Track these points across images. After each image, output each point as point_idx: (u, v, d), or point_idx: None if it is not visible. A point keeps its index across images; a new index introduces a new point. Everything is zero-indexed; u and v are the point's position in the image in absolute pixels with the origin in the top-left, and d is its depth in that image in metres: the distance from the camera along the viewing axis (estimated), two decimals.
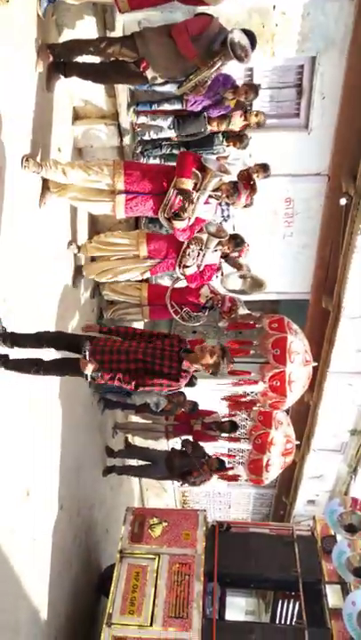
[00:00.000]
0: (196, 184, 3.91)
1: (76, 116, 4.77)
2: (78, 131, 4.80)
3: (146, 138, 5.10)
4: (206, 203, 4.12)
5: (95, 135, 4.83)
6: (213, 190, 4.18)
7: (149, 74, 3.96)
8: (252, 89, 4.53)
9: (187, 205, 3.88)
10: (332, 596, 5.32)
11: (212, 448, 6.54)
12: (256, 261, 5.33)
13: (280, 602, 6.71)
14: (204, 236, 4.43)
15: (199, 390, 5.89)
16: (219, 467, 5.89)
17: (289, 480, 8.40)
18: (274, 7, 4.67)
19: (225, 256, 4.96)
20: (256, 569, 5.62)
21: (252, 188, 4.60)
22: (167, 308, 5.08)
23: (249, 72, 5.28)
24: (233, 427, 6.22)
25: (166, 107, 4.80)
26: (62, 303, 4.54)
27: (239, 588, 8.82)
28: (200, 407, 6.41)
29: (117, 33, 4.29)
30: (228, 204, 5.12)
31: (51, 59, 3.87)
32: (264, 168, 4.82)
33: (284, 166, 5.72)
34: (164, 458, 6.09)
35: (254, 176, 4.72)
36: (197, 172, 3.85)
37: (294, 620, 6.26)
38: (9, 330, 3.41)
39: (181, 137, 5.10)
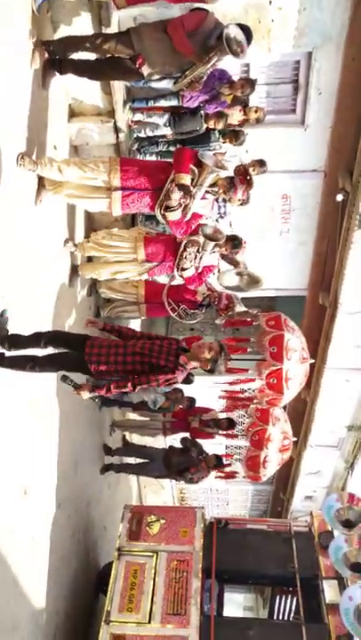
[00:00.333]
0: (193, 179, 3.91)
1: (72, 114, 4.74)
2: (74, 128, 4.77)
3: (142, 135, 5.08)
4: (203, 198, 4.12)
5: (91, 133, 4.81)
6: (210, 186, 4.17)
7: (145, 70, 3.94)
8: (249, 83, 4.49)
9: (187, 201, 3.86)
10: (330, 591, 5.34)
11: (209, 445, 6.55)
12: (253, 258, 5.32)
13: (278, 597, 6.72)
14: (201, 239, 4.41)
15: (196, 388, 5.89)
16: (216, 464, 5.90)
17: (286, 476, 8.43)
18: (270, 2, 4.65)
19: (223, 256, 4.95)
20: (254, 565, 5.63)
21: (248, 183, 4.59)
22: (164, 306, 5.08)
23: (245, 68, 5.26)
24: (230, 424, 6.23)
25: (162, 103, 4.79)
26: (59, 301, 4.52)
27: (237, 585, 8.85)
28: (197, 405, 6.42)
29: (113, 29, 4.27)
30: (224, 201, 5.11)
31: (46, 55, 3.84)
32: (260, 163, 4.80)
33: (281, 162, 5.71)
34: (162, 456, 6.10)
35: (250, 170, 4.71)
36: (194, 167, 3.85)
37: (292, 615, 6.28)
38: (9, 332, 3.42)
39: (178, 134, 5.08)
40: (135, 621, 4.70)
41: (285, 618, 6.51)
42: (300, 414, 7.25)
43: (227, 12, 4.49)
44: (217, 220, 5.56)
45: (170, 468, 6.00)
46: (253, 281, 5.17)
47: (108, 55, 3.96)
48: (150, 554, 5.18)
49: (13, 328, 3.49)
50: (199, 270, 4.74)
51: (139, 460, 6.61)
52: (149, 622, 4.68)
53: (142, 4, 4.13)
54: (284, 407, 6.22)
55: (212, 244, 4.41)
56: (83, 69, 4.03)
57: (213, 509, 10.49)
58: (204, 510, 5.82)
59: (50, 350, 3.55)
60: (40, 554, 4.27)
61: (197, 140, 5.02)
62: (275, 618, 6.77)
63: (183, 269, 4.63)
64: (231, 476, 6.89)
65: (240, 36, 3.70)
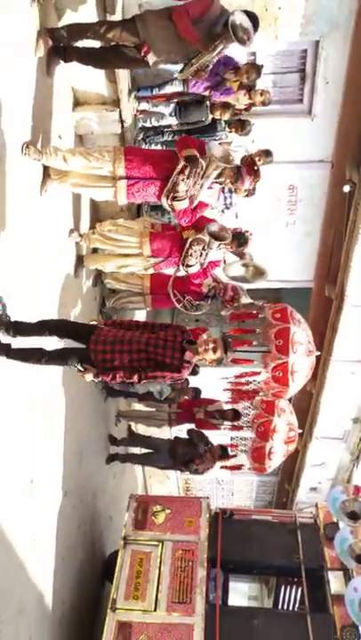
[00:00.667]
0: (198, 170, 3.87)
1: (77, 103, 4.71)
2: (79, 117, 4.75)
3: (147, 125, 5.05)
4: (209, 188, 4.09)
5: (96, 122, 4.78)
6: (216, 178, 4.13)
7: (150, 58, 3.90)
8: (254, 68, 4.42)
9: (193, 174, 3.79)
10: (335, 582, 5.35)
11: (214, 436, 6.55)
12: (259, 249, 5.30)
13: (283, 588, 6.76)
14: (207, 237, 4.38)
15: (202, 379, 5.89)
16: (222, 454, 5.91)
17: (292, 468, 8.44)
18: None
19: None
20: (259, 555, 5.66)
21: (255, 174, 4.55)
22: (170, 297, 5.06)
23: (252, 57, 5.20)
24: (236, 415, 6.23)
25: (168, 89, 4.73)
26: (64, 291, 4.52)
27: (242, 574, 8.90)
28: (203, 396, 6.42)
29: (117, 16, 4.23)
30: (230, 192, 5.08)
31: (50, 43, 3.81)
32: (266, 153, 4.77)
33: (287, 153, 5.66)
34: (168, 447, 6.11)
35: (256, 160, 4.67)
36: (201, 159, 3.81)
37: (297, 605, 6.32)
38: (12, 319, 3.41)
39: (183, 124, 5.05)
40: (141, 609, 4.73)
41: (290, 608, 6.55)
42: (306, 406, 7.24)
43: None
44: (223, 212, 5.54)
45: (175, 459, 6.01)
46: (259, 272, 5.15)
47: (113, 43, 3.92)
48: (156, 543, 5.21)
49: (19, 318, 3.49)
50: (204, 267, 4.72)
51: (144, 451, 6.64)
52: (155, 610, 4.71)
53: None
54: (290, 399, 6.21)
55: (218, 242, 4.38)
56: (87, 57, 4.00)
57: (218, 500, 10.53)
58: (210, 500, 5.84)
59: (55, 339, 3.55)
60: (46, 543, 4.31)
61: (203, 129, 4.99)
62: (280, 608, 6.81)
63: (188, 266, 4.61)
64: (237, 468, 6.90)
65: (246, 22, 3.65)
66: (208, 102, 4.94)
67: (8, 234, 3.42)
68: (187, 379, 5.63)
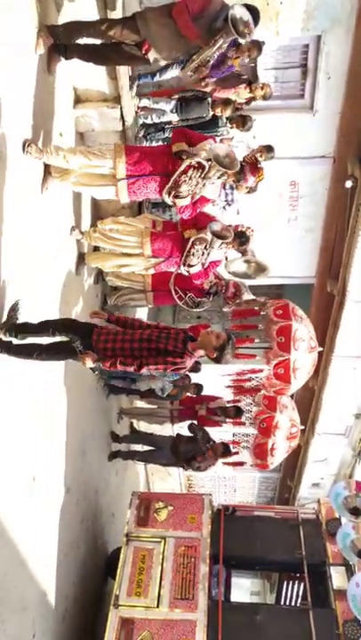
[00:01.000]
0: (201, 172, 3.85)
1: (78, 100, 4.69)
2: (79, 114, 4.73)
3: (148, 122, 5.03)
4: (211, 183, 4.06)
5: (97, 119, 4.76)
6: (219, 177, 4.11)
7: (151, 56, 3.89)
8: (256, 46, 4.25)
9: (190, 160, 3.78)
10: (337, 577, 5.38)
11: (216, 433, 6.56)
12: (260, 245, 5.29)
13: (285, 583, 6.79)
14: (209, 236, 4.36)
15: (204, 376, 5.89)
16: (224, 452, 5.91)
17: (294, 464, 8.45)
18: None
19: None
20: (261, 551, 5.68)
21: (258, 172, 4.53)
22: (171, 294, 5.06)
23: None
24: (238, 412, 6.23)
25: (169, 74, 4.66)
26: (66, 289, 4.52)
27: (244, 570, 8.93)
28: (205, 393, 6.42)
29: (118, 13, 4.20)
30: (231, 188, 5.06)
31: (51, 40, 3.80)
32: (268, 149, 4.74)
33: (289, 148, 5.65)
34: (170, 444, 6.12)
35: (258, 156, 4.64)
36: (204, 162, 3.79)
37: (299, 600, 6.35)
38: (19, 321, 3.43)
39: (184, 120, 5.02)
40: (144, 605, 4.76)
41: (293, 603, 6.58)
42: (308, 402, 7.25)
43: None
44: (224, 208, 5.52)
45: (177, 456, 6.02)
46: (261, 268, 5.14)
47: (114, 41, 3.90)
48: (158, 540, 5.23)
49: (21, 316, 3.50)
50: (205, 266, 4.71)
51: (146, 448, 6.65)
52: (158, 606, 4.74)
53: None
54: (292, 395, 6.22)
55: (220, 241, 4.37)
56: (88, 54, 3.98)
57: (221, 496, 10.56)
58: (212, 497, 5.86)
59: (57, 339, 3.56)
60: (49, 539, 4.33)
61: (204, 125, 4.96)
62: (282, 603, 6.84)
63: (190, 266, 4.60)
64: (239, 464, 6.92)
65: (246, 16, 3.62)
66: (209, 99, 4.92)
67: (10, 232, 3.42)
68: (188, 375, 5.63)
